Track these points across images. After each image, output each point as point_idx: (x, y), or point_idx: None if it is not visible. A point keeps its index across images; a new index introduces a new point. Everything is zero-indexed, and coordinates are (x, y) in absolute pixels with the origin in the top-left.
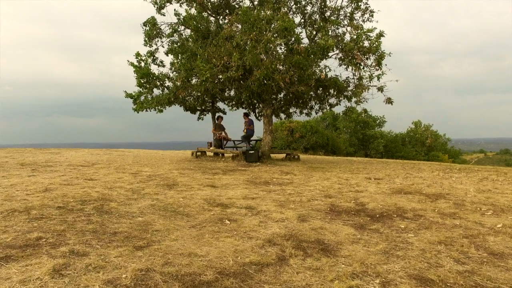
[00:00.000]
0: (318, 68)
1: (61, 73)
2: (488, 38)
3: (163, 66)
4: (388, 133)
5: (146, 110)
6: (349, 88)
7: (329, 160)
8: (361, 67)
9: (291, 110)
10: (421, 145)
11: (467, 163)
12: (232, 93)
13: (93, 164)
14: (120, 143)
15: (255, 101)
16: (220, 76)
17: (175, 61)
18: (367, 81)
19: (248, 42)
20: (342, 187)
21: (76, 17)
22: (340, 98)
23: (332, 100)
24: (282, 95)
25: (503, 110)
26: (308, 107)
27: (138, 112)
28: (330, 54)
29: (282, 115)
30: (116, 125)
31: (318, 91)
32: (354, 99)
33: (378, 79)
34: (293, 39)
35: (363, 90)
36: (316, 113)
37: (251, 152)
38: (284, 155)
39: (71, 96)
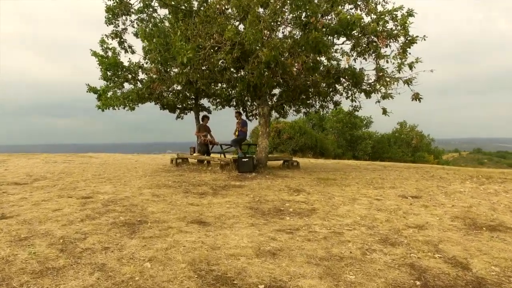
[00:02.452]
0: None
1: (38, 72)
2: (460, 44)
3: (133, 52)
4: (374, 134)
5: (114, 108)
6: (368, 81)
7: (329, 166)
8: (385, 54)
9: (290, 109)
10: (407, 145)
11: (450, 163)
12: (219, 86)
13: (34, 181)
14: (100, 144)
15: (246, 97)
16: (206, 62)
17: (147, 47)
18: (394, 71)
19: (249, 16)
20: (389, 218)
21: (52, 14)
22: (354, 93)
23: (337, 97)
24: (280, 89)
25: (475, 112)
26: (310, 104)
27: (103, 110)
28: (340, 40)
29: (274, 114)
30: (96, 126)
31: (335, 83)
32: (380, 94)
33: (411, 68)
34: (307, 12)
35: (392, 82)
36: (316, 112)
37: (245, 160)
38: (277, 160)
39: (48, 96)
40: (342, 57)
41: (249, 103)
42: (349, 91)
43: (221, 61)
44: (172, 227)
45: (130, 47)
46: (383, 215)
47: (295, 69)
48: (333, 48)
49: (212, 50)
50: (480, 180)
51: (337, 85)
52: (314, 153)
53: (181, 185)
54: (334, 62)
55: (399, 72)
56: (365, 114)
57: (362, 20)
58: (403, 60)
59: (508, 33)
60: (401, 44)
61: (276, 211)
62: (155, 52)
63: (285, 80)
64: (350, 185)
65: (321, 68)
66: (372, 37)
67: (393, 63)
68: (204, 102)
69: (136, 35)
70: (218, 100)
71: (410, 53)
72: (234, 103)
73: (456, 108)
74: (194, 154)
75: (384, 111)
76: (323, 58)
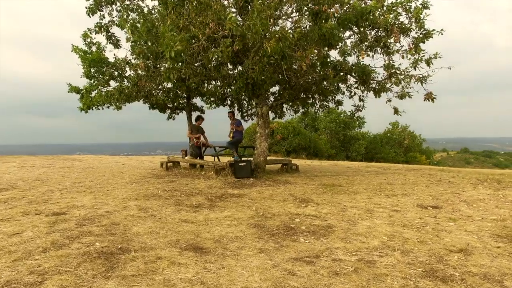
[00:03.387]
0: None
1: (24, 70)
2: (447, 45)
3: (119, 46)
4: (366, 134)
5: (98, 108)
6: (376, 79)
7: (328, 169)
8: (396, 49)
9: (291, 108)
10: (399, 146)
11: (440, 163)
12: (213, 84)
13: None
14: (88, 144)
15: (243, 96)
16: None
17: (131, 37)
18: (409, 67)
19: (255, 2)
20: (421, 238)
21: (40, 12)
22: (363, 92)
23: (339, 97)
24: (279, 87)
25: (461, 112)
26: (312, 103)
27: (86, 112)
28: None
29: (271, 114)
30: (85, 126)
31: (342, 81)
32: (390, 93)
33: (428, 64)
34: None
35: (405, 80)
36: (315, 112)
37: (242, 164)
38: (275, 164)
39: (36, 95)
40: (354, 51)
41: (245, 102)
42: (355, 90)
43: (216, 55)
44: (162, 257)
45: (118, 41)
46: (412, 233)
47: (305, 64)
48: (341, 42)
49: (207, 43)
50: (492, 184)
51: (340, 84)
52: (308, 154)
53: (172, 194)
54: (341, 58)
55: (415, 69)
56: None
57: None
58: (421, 55)
59: (493, 36)
60: (414, 39)
61: (286, 229)
62: (140, 44)
63: (288, 77)
64: (359, 192)
65: (329, 63)
66: (381, 30)
67: (409, 58)
68: (197, 101)
69: (119, 25)
70: (212, 99)
71: (424, 49)
72: (229, 102)
73: (443, 108)
74: (186, 158)
75: (396, 111)
76: (335, 52)
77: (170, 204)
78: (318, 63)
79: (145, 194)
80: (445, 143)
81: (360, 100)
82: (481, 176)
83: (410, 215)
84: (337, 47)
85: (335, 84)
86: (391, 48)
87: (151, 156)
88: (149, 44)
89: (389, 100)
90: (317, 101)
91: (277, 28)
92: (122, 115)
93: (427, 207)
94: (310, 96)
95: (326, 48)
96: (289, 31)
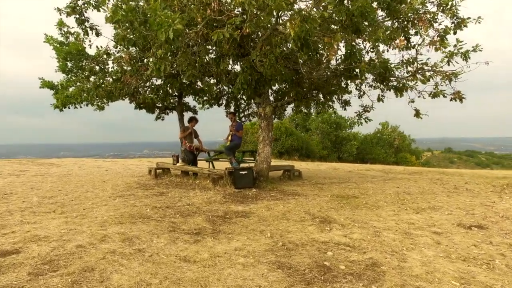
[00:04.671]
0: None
1: (4, 68)
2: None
3: (98, 34)
4: (357, 134)
5: (75, 107)
6: (399, 75)
7: (330, 174)
8: (422, 40)
9: (297, 108)
10: (389, 146)
11: (429, 163)
12: (206, 80)
13: None
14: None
15: (244, 94)
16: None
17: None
18: (439, 62)
19: None
20: (498, 280)
21: (22, 8)
22: (383, 90)
23: (346, 96)
24: (284, 85)
25: (444, 112)
26: (324, 103)
27: (61, 110)
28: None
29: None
30: (70, 125)
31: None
32: (420, 91)
33: (466, 58)
34: None
35: (435, 77)
36: (319, 112)
37: (243, 172)
38: (277, 171)
39: (18, 93)
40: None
41: (243, 102)
42: (368, 88)
43: (223, 35)
44: None
45: (92, 27)
46: (485, 274)
47: (333, 53)
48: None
49: (206, 29)
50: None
51: (349, 81)
52: (300, 155)
53: (164, 214)
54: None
55: (448, 64)
56: (349, 114)
57: None
58: (458, 47)
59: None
60: (449, 27)
61: (321, 270)
62: (124, 27)
63: (299, 72)
64: (381, 206)
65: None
66: (407, 18)
67: (443, 52)
68: (189, 100)
69: (97, 7)
70: (205, 98)
71: (463, 40)
72: (225, 102)
73: (426, 108)
74: (178, 164)
75: (417, 114)
76: (379, 36)
77: (163, 229)
78: (346, 52)
79: (130, 215)
80: (429, 142)
81: (379, 100)
82: (489, 180)
83: (459, 240)
84: (365, 34)
85: (345, 82)
86: (411, 41)
87: (138, 159)
88: (135, 24)
89: (412, 101)
90: (328, 101)
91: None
92: (110, 114)
93: (471, 227)
94: (318, 94)
95: (355, 35)
96: (313, 10)
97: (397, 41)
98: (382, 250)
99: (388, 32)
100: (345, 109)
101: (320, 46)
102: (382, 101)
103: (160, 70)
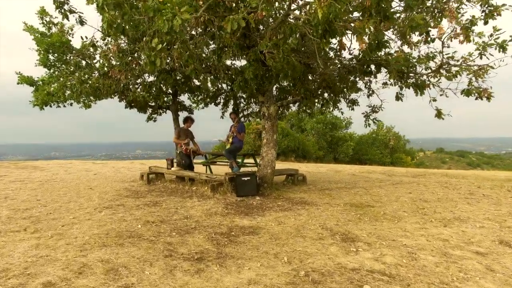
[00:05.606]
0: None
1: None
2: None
3: (83, 22)
4: (352, 135)
5: (59, 106)
6: (420, 72)
7: (334, 178)
8: (450, 32)
9: (306, 108)
10: (384, 147)
11: (423, 164)
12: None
13: None
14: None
15: (245, 92)
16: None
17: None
18: (470, 55)
19: None
20: None
21: (7, 3)
22: (402, 88)
23: (353, 95)
24: (290, 82)
25: (435, 112)
26: (336, 101)
27: (41, 109)
28: None
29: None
30: (62, 124)
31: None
32: (445, 89)
33: (504, 50)
34: None
35: (462, 73)
36: (323, 112)
37: (245, 178)
38: (280, 175)
39: (7, 91)
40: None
41: (243, 101)
42: (382, 86)
43: (237, 23)
44: None
45: (73, 11)
46: None
47: (366, 43)
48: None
49: (209, 15)
50: None
51: (358, 78)
52: (296, 156)
53: (158, 231)
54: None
55: (481, 58)
56: (345, 115)
57: None
58: (494, 37)
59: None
60: (468, 19)
61: None
62: (110, 8)
63: (311, 66)
64: (402, 218)
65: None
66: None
67: (475, 43)
68: (184, 98)
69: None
70: (201, 97)
71: (500, 28)
72: (222, 101)
73: (418, 109)
74: (173, 169)
75: (439, 114)
76: (416, 23)
77: (157, 254)
78: (374, 41)
79: (118, 233)
80: (421, 142)
81: (397, 99)
82: (499, 184)
83: (508, 262)
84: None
85: (356, 77)
86: (431, 34)
87: (129, 162)
88: (126, 7)
89: (434, 100)
90: (338, 100)
91: None
92: (104, 113)
93: None
94: (328, 93)
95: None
96: None
97: (436, 29)
98: (428, 281)
99: (427, 18)
100: (352, 109)
101: (347, 32)
102: (401, 100)
103: (155, 64)
